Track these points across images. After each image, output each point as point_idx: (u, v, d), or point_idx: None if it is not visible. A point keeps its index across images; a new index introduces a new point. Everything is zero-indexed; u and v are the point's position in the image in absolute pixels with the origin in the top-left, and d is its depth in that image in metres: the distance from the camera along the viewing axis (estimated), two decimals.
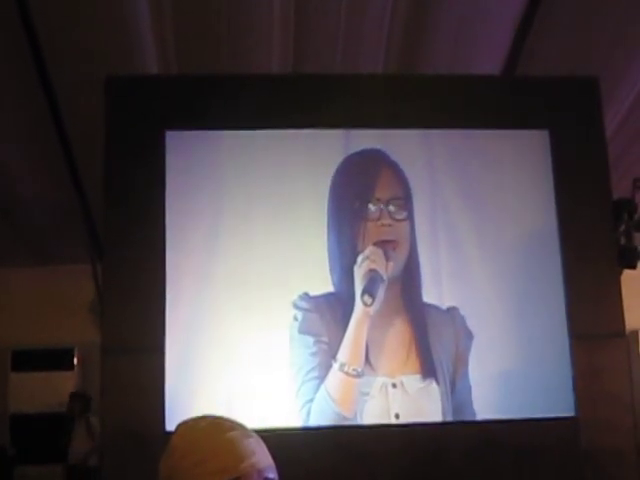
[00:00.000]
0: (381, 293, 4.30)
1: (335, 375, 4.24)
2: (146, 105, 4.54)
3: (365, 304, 4.27)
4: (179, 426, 1.43)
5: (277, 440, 1.54)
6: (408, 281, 4.46)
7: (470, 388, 4.36)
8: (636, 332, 7.50)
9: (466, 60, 5.64)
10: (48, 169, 6.60)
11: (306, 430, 4.24)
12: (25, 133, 6.20)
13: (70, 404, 7.93)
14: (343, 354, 4.25)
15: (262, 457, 1.37)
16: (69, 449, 7.89)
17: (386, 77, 5.46)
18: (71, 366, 8.58)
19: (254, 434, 1.41)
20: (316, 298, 4.34)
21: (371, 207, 4.45)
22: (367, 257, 4.34)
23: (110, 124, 4.48)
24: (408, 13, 5.42)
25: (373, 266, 4.31)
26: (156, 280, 4.29)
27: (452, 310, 4.44)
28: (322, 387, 4.23)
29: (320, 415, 4.23)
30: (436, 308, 4.44)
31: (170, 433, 1.44)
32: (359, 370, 4.24)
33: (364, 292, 4.28)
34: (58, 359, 8.52)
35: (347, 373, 4.23)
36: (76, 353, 8.58)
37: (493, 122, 4.70)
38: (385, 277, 4.32)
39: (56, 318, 8.21)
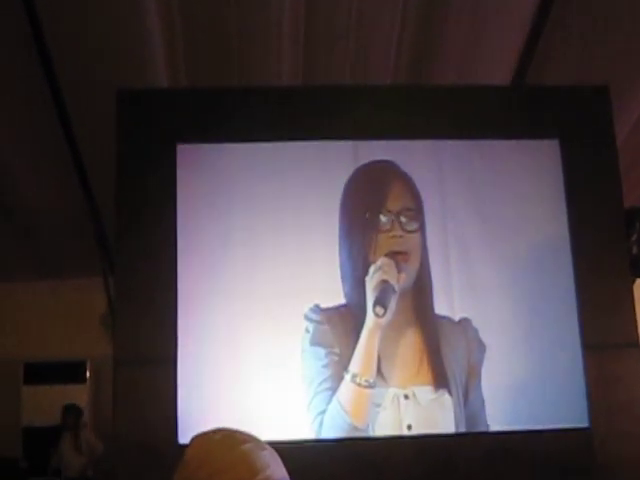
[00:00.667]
0: (393, 304, 4.30)
1: (347, 386, 4.23)
2: (157, 118, 4.56)
3: (377, 315, 4.27)
4: (194, 439, 1.43)
5: (290, 452, 1.54)
6: (420, 293, 4.46)
7: (483, 401, 4.35)
8: None
9: (475, 70, 5.64)
10: (59, 181, 6.63)
11: (319, 442, 4.23)
12: (35, 145, 6.23)
13: (64, 417, 7.87)
14: (355, 365, 4.25)
15: (276, 469, 1.37)
16: (61, 462, 7.81)
17: (395, 88, 5.47)
18: (83, 379, 8.59)
19: (268, 446, 1.41)
20: (327, 310, 4.34)
21: (382, 218, 4.45)
22: (379, 268, 4.33)
23: (121, 137, 4.50)
24: (417, 24, 5.43)
25: (385, 277, 4.31)
26: (168, 292, 4.29)
27: (464, 322, 4.43)
28: (334, 399, 4.22)
29: (332, 426, 4.22)
30: (448, 319, 4.43)
31: (183, 445, 1.44)
32: (371, 381, 4.24)
33: (376, 303, 4.28)
34: (70, 372, 8.52)
35: (359, 384, 4.23)
36: (88, 366, 8.59)
37: (503, 132, 4.69)
38: (397, 288, 4.32)
39: (68, 331, 8.22)
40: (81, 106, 5.67)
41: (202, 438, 1.41)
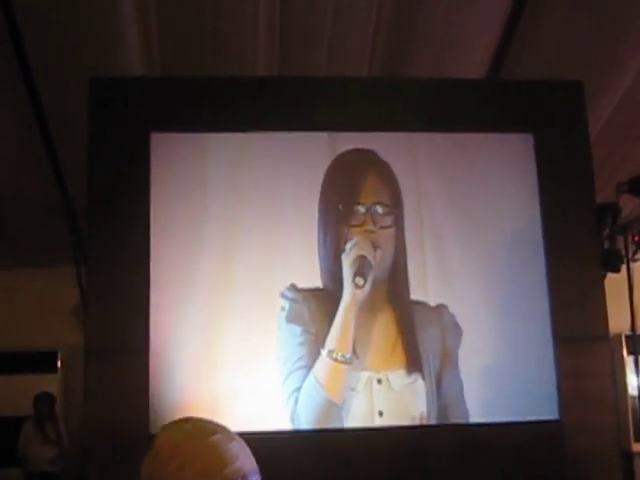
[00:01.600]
0: (370, 278, 4.32)
1: (323, 361, 4.26)
2: (131, 107, 4.53)
3: (357, 286, 4.30)
4: (163, 429, 1.42)
5: (261, 442, 1.54)
6: (395, 283, 4.49)
7: (462, 386, 4.38)
8: (620, 335, 7.50)
9: (451, 64, 5.64)
10: (32, 170, 6.56)
11: (294, 433, 4.24)
12: (9, 134, 6.17)
13: (37, 406, 7.67)
14: (331, 341, 4.28)
15: (246, 461, 1.36)
16: (31, 453, 7.51)
17: (371, 80, 5.47)
18: (54, 369, 8.52)
19: (237, 437, 1.40)
20: (304, 290, 4.37)
21: (355, 211, 4.46)
22: (355, 244, 4.37)
23: (94, 126, 4.47)
24: (393, 17, 5.42)
25: (362, 252, 4.35)
26: (141, 283, 4.28)
27: (440, 307, 4.46)
28: (310, 375, 4.25)
29: (308, 403, 4.24)
30: (424, 305, 4.46)
31: (154, 436, 1.43)
32: (347, 357, 4.26)
33: (356, 274, 4.32)
34: (41, 362, 8.46)
35: (335, 359, 4.25)
36: (59, 356, 8.52)
37: (478, 125, 4.71)
38: (374, 264, 4.34)
39: (39, 321, 8.15)
40: (55, 96, 5.61)
41: (171, 429, 1.40)
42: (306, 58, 5.56)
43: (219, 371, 4.29)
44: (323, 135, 4.62)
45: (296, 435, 4.24)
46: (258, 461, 1.40)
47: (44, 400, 7.68)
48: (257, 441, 1.47)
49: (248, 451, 1.40)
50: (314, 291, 4.39)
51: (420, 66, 5.67)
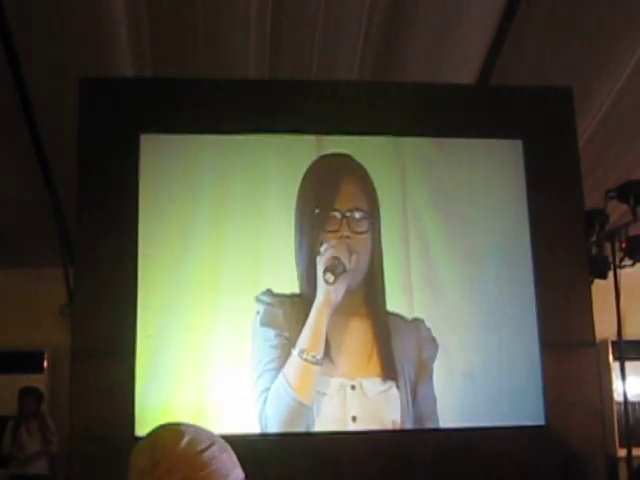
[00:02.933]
0: (344, 281, 4.32)
1: (294, 361, 4.26)
2: (121, 108, 4.52)
3: (327, 282, 4.28)
4: (161, 437, 1.40)
5: (241, 445, 1.54)
6: (370, 289, 4.49)
7: (435, 398, 4.38)
8: (606, 341, 7.54)
9: (441, 69, 5.66)
10: (20, 170, 6.55)
11: (265, 436, 4.25)
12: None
13: (23, 401, 7.50)
14: (303, 341, 4.27)
15: (238, 472, 1.38)
16: (19, 452, 7.23)
17: (360, 84, 5.48)
18: (41, 369, 8.50)
19: (227, 446, 1.41)
20: (280, 295, 4.37)
21: (330, 217, 4.46)
22: (332, 246, 4.36)
23: (84, 126, 4.46)
24: (384, 21, 5.43)
25: (336, 254, 4.33)
26: (127, 284, 4.27)
27: (417, 321, 4.46)
28: (280, 374, 4.24)
29: (277, 402, 4.23)
30: (400, 317, 4.47)
31: (140, 438, 1.42)
32: (318, 357, 4.26)
33: (326, 270, 4.30)
34: (28, 362, 8.43)
35: (306, 359, 4.25)
36: (46, 356, 8.50)
37: (466, 131, 4.72)
38: (348, 267, 4.33)
39: (26, 321, 8.13)
40: (45, 96, 5.60)
41: (170, 440, 1.38)
42: (297, 61, 5.57)
43: (203, 373, 4.30)
44: (312, 138, 4.62)
45: (274, 437, 4.25)
46: (243, 466, 1.41)
47: (28, 394, 7.54)
48: (237, 443, 1.48)
49: (235, 459, 1.41)
50: (291, 296, 4.39)
51: (410, 71, 5.68)
